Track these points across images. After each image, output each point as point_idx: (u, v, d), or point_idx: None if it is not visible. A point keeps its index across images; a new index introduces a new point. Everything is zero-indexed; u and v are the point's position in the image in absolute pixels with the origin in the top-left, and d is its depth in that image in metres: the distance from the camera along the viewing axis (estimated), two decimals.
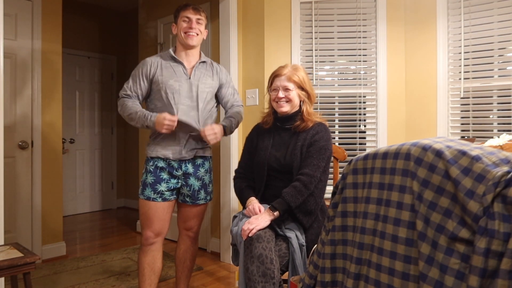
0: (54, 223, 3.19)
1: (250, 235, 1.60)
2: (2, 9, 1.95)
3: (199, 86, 2.05)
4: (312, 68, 2.87)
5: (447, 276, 0.82)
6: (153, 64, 2.05)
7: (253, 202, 1.83)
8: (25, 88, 3.01)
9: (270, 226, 1.68)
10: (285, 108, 1.88)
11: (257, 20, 2.94)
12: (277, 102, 1.88)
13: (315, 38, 2.87)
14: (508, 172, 0.78)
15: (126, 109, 2.02)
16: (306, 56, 2.90)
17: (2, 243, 2.02)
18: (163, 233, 2.07)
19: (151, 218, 2.02)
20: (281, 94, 1.86)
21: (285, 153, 1.86)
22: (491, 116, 2.56)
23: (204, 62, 2.11)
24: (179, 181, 2.07)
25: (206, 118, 2.09)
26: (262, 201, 1.87)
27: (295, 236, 1.72)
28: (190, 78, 2.04)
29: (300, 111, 1.90)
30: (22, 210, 2.99)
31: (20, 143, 2.97)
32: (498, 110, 2.50)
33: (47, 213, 3.13)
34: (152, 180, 2.02)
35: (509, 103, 2.42)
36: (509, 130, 2.37)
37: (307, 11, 2.89)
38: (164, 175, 2.03)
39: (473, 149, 0.88)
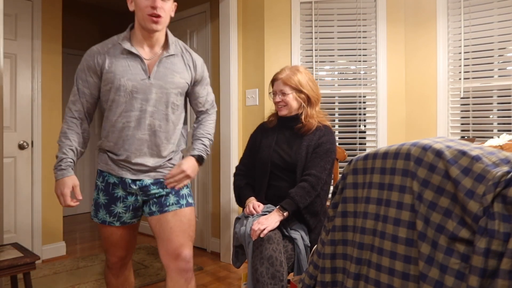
0: (54, 223, 3.19)
1: (261, 235, 1.60)
2: (2, 9, 1.95)
3: (162, 88, 1.54)
4: (312, 68, 2.87)
5: (447, 276, 0.82)
6: (100, 53, 1.53)
7: (253, 202, 1.83)
8: (25, 88, 3.01)
9: (277, 227, 1.68)
10: (283, 111, 1.91)
11: (257, 20, 2.94)
12: (276, 105, 1.93)
13: (315, 38, 2.87)
14: (508, 172, 0.78)
15: (61, 135, 1.55)
16: (306, 56, 2.89)
17: (2, 243, 2.02)
18: (131, 253, 1.74)
19: (114, 244, 1.64)
20: (278, 98, 1.90)
21: (289, 151, 1.87)
22: (491, 116, 2.56)
23: (172, 55, 1.58)
24: (139, 198, 1.59)
25: (172, 136, 1.61)
26: (265, 201, 1.87)
27: (301, 237, 1.72)
28: (150, 77, 1.52)
29: (301, 113, 1.91)
30: (22, 210, 2.99)
31: (20, 143, 2.97)
32: (498, 110, 2.50)
33: (47, 213, 3.13)
34: (106, 201, 1.58)
35: (509, 103, 2.42)
36: (509, 130, 2.37)
37: (307, 11, 2.88)
38: (119, 192, 1.58)
39: (473, 149, 0.88)
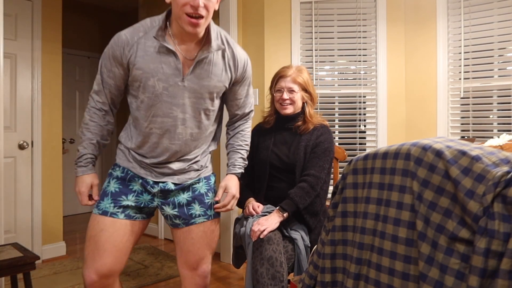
0: (54, 223, 3.19)
1: (261, 236, 1.60)
2: (2, 9, 1.95)
3: (196, 92, 1.36)
4: (312, 68, 2.87)
5: (447, 276, 0.82)
6: (129, 44, 1.31)
7: (252, 202, 1.83)
8: (25, 88, 3.01)
9: (277, 228, 1.68)
10: (289, 109, 1.87)
11: (257, 20, 2.94)
12: (281, 103, 1.88)
13: (315, 38, 2.87)
14: (508, 172, 0.78)
15: (83, 127, 1.44)
16: (306, 56, 2.89)
17: (2, 243, 2.02)
18: (117, 272, 1.36)
19: (101, 246, 1.32)
20: (285, 95, 1.85)
21: (287, 152, 1.86)
22: (491, 116, 2.56)
23: (212, 53, 1.35)
24: (155, 199, 1.43)
25: (203, 142, 1.47)
26: (264, 202, 1.86)
27: (301, 237, 1.72)
28: (184, 79, 1.32)
29: (302, 112, 1.90)
30: (22, 210, 2.99)
31: (20, 143, 2.97)
32: (498, 110, 2.50)
33: (47, 213, 3.12)
34: (117, 189, 1.39)
35: (509, 103, 2.42)
36: (509, 130, 2.37)
37: (307, 11, 2.88)
38: (135, 186, 1.41)
39: (473, 149, 0.88)
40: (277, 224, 1.66)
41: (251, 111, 1.61)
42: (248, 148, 1.59)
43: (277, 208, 1.71)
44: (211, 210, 1.47)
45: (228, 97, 1.52)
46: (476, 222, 0.79)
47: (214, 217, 1.48)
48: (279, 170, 1.86)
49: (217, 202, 1.50)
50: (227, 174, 1.56)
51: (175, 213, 1.43)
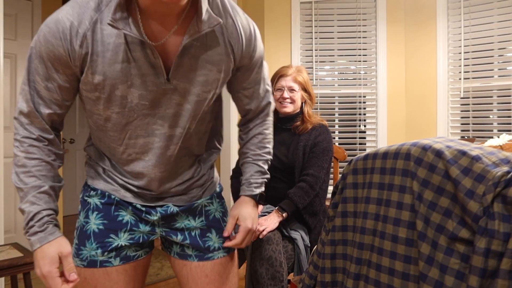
0: None
1: (260, 237, 1.59)
2: (2, 9, 1.95)
3: (189, 94, 0.90)
4: (312, 68, 2.87)
5: (447, 276, 0.82)
6: (77, 34, 0.80)
7: None
8: None
9: (277, 228, 1.68)
10: (289, 108, 1.88)
11: (257, 20, 2.94)
12: (280, 102, 1.88)
13: (315, 38, 2.87)
14: (508, 172, 0.78)
15: (20, 172, 0.94)
16: (306, 56, 2.89)
17: (2, 243, 2.02)
18: None
19: None
20: (286, 94, 1.85)
21: (286, 152, 1.86)
22: (491, 116, 2.56)
23: (204, 33, 0.85)
24: (157, 229, 1.02)
25: (202, 155, 1.07)
26: (264, 202, 1.87)
27: (301, 237, 1.72)
28: (169, 78, 0.86)
29: (301, 112, 1.91)
30: None
31: None
32: (498, 110, 2.50)
33: None
34: (100, 226, 0.97)
35: (509, 103, 2.42)
36: (509, 130, 2.37)
37: (307, 11, 2.88)
38: (126, 216, 0.99)
39: (473, 149, 0.88)
40: (277, 224, 1.66)
41: (268, 103, 1.12)
42: (269, 156, 1.14)
43: (276, 208, 1.72)
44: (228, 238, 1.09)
45: (232, 87, 1.05)
46: (476, 222, 0.79)
47: (233, 249, 1.10)
48: (278, 170, 1.86)
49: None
50: (240, 196, 1.12)
51: (188, 243, 1.03)
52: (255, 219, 1.06)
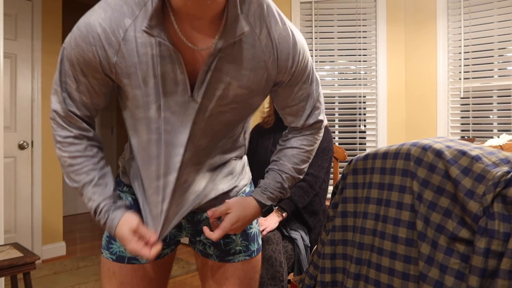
0: (54, 223, 3.19)
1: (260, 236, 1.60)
2: (2, 9, 1.95)
3: (215, 114, 0.85)
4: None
5: (447, 276, 0.82)
6: (110, 42, 0.77)
7: None
8: (25, 88, 3.01)
9: (277, 228, 1.68)
10: None
11: None
12: None
13: (315, 38, 2.87)
14: (508, 172, 0.78)
15: (70, 172, 0.90)
16: None
17: (2, 243, 2.02)
18: None
19: None
20: None
21: None
22: (491, 116, 2.56)
23: (234, 42, 0.78)
24: (183, 231, 1.04)
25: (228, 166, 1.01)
26: None
27: (301, 237, 1.72)
28: (192, 95, 0.80)
29: None
30: (22, 210, 2.99)
31: (20, 143, 2.97)
32: (498, 110, 2.50)
33: (47, 213, 3.13)
34: None
35: (509, 103, 2.42)
36: (509, 130, 2.37)
37: (307, 11, 2.88)
38: None
39: (473, 149, 0.88)
40: (276, 224, 1.66)
41: (317, 122, 1.00)
42: (297, 175, 1.02)
43: (276, 208, 1.72)
44: (255, 243, 1.06)
45: (277, 103, 0.99)
46: (476, 222, 0.79)
47: (257, 252, 1.07)
48: None
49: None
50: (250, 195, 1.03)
51: (209, 242, 1.03)
52: (244, 225, 0.96)
